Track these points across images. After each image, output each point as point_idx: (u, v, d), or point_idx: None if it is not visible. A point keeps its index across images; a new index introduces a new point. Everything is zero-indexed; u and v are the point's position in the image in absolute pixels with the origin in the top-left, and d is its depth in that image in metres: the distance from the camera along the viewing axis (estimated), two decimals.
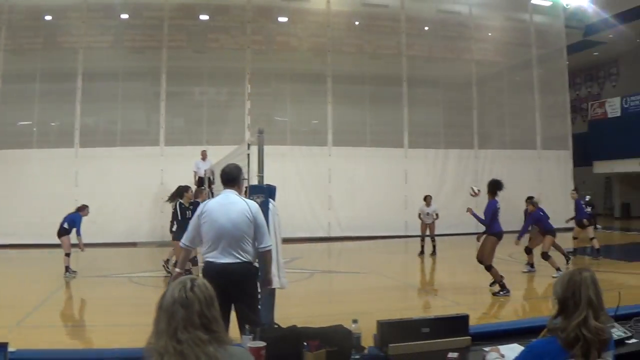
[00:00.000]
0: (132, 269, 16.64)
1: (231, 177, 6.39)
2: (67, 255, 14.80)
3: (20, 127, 23.96)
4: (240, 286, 6.11)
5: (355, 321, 4.57)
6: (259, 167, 8.40)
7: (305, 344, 4.17)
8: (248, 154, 9.34)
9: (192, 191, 14.92)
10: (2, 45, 23.46)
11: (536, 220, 14.67)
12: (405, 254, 18.84)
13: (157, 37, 24.24)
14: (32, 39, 24.06)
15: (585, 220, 18.26)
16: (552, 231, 14.52)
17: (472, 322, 4.85)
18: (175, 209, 13.99)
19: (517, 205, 22.05)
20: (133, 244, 21.99)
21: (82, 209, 15.36)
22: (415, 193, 24.64)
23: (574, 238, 18.70)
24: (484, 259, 12.30)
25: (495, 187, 12.38)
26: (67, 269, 14.76)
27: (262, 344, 4.05)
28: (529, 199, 16.94)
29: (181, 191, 14.34)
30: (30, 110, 23.38)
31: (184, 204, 13.88)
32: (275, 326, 4.95)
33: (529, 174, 26.72)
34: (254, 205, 6.33)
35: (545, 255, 14.21)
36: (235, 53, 24.72)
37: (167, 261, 14.51)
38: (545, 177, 27.10)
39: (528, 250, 15.11)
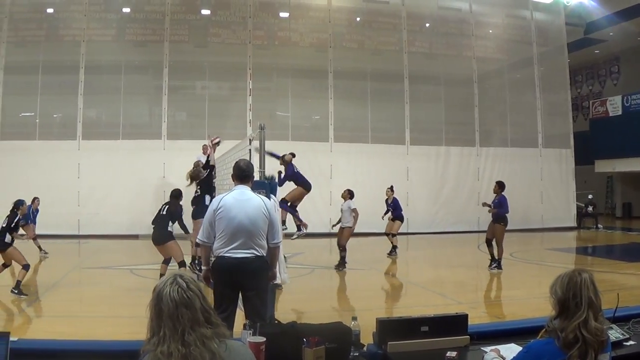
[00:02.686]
0: (133, 261, 16.64)
1: (247, 173, 6.48)
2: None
3: (23, 118, 24.07)
4: (255, 280, 6.23)
5: (354, 318, 4.63)
6: (261, 162, 8.49)
7: (304, 340, 4.16)
8: (250, 149, 9.39)
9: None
10: (4, 37, 23.46)
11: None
12: (406, 252, 18.74)
13: (159, 32, 24.32)
14: (34, 31, 24.17)
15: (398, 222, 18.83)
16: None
17: (472, 321, 4.86)
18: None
19: (520, 203, 22.14)
20: (135, 236, 21.97)
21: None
22: (417, 190, 24.74)
23: (387, 234, 18.93)
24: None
25: None
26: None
27: (262, 339, 4.04)
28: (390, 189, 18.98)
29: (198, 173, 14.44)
30: (33, 101, 23.45)
31: None
32: (275, 322, 5.02)
33: (531, 172, 26.79)
34: (269, 202, 6.46)
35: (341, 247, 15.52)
36: (237, 48, 24.74)
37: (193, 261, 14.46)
38: (546, 176, 27.12)
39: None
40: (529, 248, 20.94)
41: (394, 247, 18.57)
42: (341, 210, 16.68)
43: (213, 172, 14.38)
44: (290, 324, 4.64)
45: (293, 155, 15.14)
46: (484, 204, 15.82)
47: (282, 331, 4.44)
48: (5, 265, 12.09)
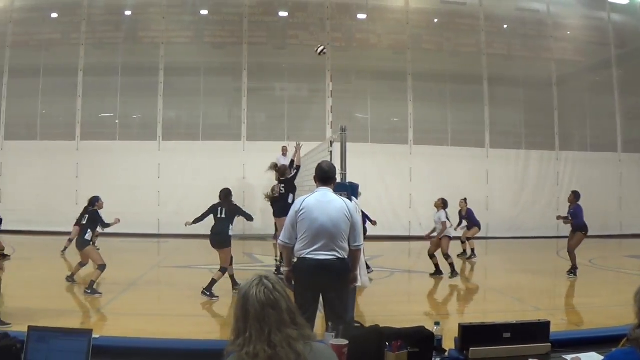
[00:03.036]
0: (212, 261, 16.57)
1: (330, 175, 6.55)
2: None
3: (103, 119, 24.43)
4: (337, 282, 6.30)
5: (437, 323, 4.75)
6: (342, 164, 8.57)
7: (387, 344, 4.20)
8: (330, 151, 9.59)
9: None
10: (82, 39, 23.90)
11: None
12: (485, 256, 18.48)
13: (237, 33, 24.58)
14: (112, 33, 24.64)
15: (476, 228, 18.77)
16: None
17: (551, 328, 4.83)
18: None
19: (598, 209, 21.51)
20: None
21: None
22: (496, 194, 24.37)
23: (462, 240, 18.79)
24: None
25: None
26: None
27: (344, 341, 4.06)
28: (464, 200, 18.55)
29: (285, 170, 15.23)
30: (113, 102, 23.95)
31: None
32: (357, 324, 5.02)
33: (610, 177, 26.09)
34: (351, 204, 6.49)
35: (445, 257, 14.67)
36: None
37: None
38: (625, 181, 26.44)
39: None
40: (608, 255, 20.61)
41: (472, 250, 18.46)
42: (434, 220, 15.54)
43: (297, 173, 14.76)
44: (373, 327, 4.66)
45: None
46: (558, 218, 15.67)
47: (365, 334, 4.46)
48: (81, 264, 12.32)
